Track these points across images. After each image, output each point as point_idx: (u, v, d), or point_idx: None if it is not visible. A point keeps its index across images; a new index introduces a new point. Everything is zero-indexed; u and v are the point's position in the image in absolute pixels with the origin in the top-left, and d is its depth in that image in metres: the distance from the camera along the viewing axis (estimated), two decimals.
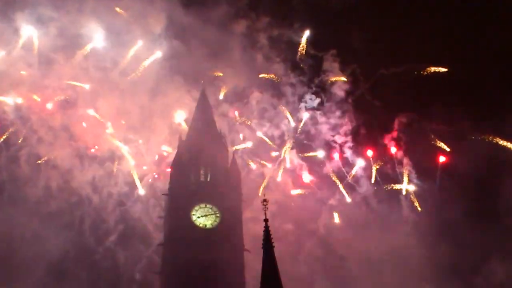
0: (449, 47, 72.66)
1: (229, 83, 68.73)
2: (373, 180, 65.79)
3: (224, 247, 59.19)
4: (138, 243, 64.62)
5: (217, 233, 60.35)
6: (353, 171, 65.94)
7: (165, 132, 66.71)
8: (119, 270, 63.27)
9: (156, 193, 66.19)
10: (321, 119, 67.62)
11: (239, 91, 68.60)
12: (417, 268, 62.09)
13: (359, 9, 73.77)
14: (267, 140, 67.74)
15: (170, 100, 65.71)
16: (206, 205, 61.70)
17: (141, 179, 64.90)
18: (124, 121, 65.08)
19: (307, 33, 67.51)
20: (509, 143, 62.62)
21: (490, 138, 63.13)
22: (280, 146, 67.73)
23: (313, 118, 67.85)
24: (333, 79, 66.91)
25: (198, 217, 60.99)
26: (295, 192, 66.87)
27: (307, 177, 66.76)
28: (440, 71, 65.03)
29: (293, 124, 67.35)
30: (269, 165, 67.13)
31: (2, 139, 61.93)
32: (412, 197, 64.95)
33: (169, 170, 65.99)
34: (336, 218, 65.66)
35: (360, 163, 66.05)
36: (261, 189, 65.26)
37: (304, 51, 67.51)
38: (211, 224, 60.95)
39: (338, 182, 65.63)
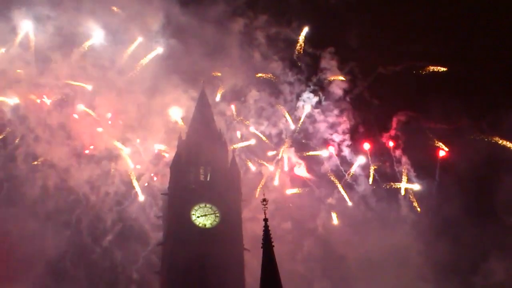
0: (447, 45, 72.81)
1: (227, 82, 68.81)
2: (370, 181, 65.86)
3: (224, 247, 59.20)
4: (135, 243, 64.55)
5: (216, 232, 60.40)
6: (353, 169, 66.05)
7: (162, 131, 66.57)
8: (117, 270, 63.19)
9: (153, 192, 66.05)
10: (319, 117, 67.60)
11: (236, 90, 68.60)
12: (416, 267, 62.26)
13: (356, 7, 73.68)
14: (264, 138, 67.63)
15: (167, 99, 65.59)
16: (205, 205, 61.77)
17: (138, 179, 64.76)
18: (121, 119, 64.95)
19: (305, 30, 67.50)
20: (508, 143, 62.68)
21: (489, 137, 63.16)
22: (278, 145, 67.78)
23: (311, 117, 67.84)
24: (332, 78, 66.84)
25: (198, 217, 61.07)
26: (290, 192, 66.66)
27: (305, 176, 66.57)
28: (440, 70, 64.97)
29: (292, 126, 67.33)
30: (268, 165, 66.94)
31: None
32: (411, 197, 65.03)
33: (167, 169, 65.81)
34: (335, 220, 65.68)
35: (361, 159, 65.96)
36: (258, 189, 65.63)
37: (302, 49, 67.51)
38: (211, 223, 61.04)
39: (338, 184, 65.58)
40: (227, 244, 59.54)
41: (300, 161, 67.20)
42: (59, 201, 62.93)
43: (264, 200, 41.23)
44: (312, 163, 67.43)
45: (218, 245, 59.21)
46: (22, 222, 60.00)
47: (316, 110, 67.98)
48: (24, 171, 62.47)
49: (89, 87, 63.48)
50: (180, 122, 66.64)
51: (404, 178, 65.25)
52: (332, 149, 67.00)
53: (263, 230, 40.26)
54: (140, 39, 64.01)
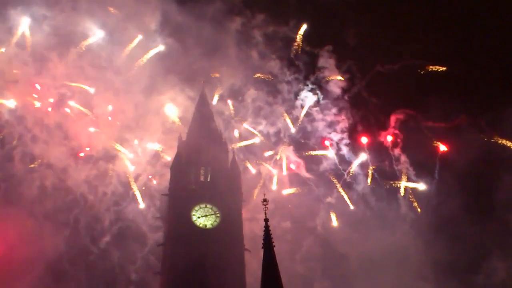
0: (445, 44, 72.96)
1: (225, 81, 68.80)
2: (369, 181, 65.93)
3: (224, 247, 59.69)
4: (133, 244, 64.46)
5: (217, 233, 60.88)
6: (353, 167, 65.98)
7: (160, 131, 66.52)
8: (115, 271, 63.12)
9: (151, 193, 66.05)
10: (318, 116, 67.62)
11: (234, 89, 68.63)
12: (416, 266, 62.42)
13: (354, 6, 73.82)
14: (258, 135, 67.68)
15: (165, 99, 65.51)
16: (206, 205, 62.34)
17: (136, 179, 64.75)
18: (119, 119, 64.83)
19: (304, 27, 67.46)
20: (508, 142, 62.82)
21: (488, 137, 63.35)
22: (276, 144, 67.79)
23: (309, 115, 67.89)
24: (330, 78, 66.87)
25: (198, 217, 61.60)
26: (287, 192, 66.75)
27: (305, 175, 66.69)
28: (439, 70, 65.08)
29: (293, 130, 67.38)
30: (267, 165, 66.97)
31: None
32: (410, 197, 65.12)
33: (165, 170, 65.91)
34: (334, 221, 65.78)
35: (361, 157, 65.92)
36: (257, 189, 65.68)
37: (300, 47, 67.47)
38: (211, 224, 61.53)
39: (337, 185, 65.58)
40: (227, 244, 60.06)
41: (299, 160, 67.13)
42: (57, 201, 62.86)
43: (264, 200, 41.36)
44: (311, 162, 67.50)
45: (218, 245, 59.67)
46: (20, 222, 59.85)
47: (315, 109, 67.96)
48: (21, 172, 62.21)
49: (91, 89, 63.25)
50: (176, 120, 66.54)
51: (404, 178, 65.21)
52: (327, 143, 66.98)
53: (264, 230, 40.66)
54: (140, 37, 63.92)
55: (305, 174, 66.85)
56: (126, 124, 64.99)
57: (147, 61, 64.86)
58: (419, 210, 64.67)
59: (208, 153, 64.91)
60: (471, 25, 73.37)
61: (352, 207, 65.59)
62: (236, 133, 68.80)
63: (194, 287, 57.38)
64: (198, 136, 66.76)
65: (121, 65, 64.22)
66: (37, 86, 62.33)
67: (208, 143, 65.67)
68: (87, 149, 64.26)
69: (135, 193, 63.62)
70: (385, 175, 66.06)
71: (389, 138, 66.19)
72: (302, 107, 68.05)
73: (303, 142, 67.88)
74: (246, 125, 68.07)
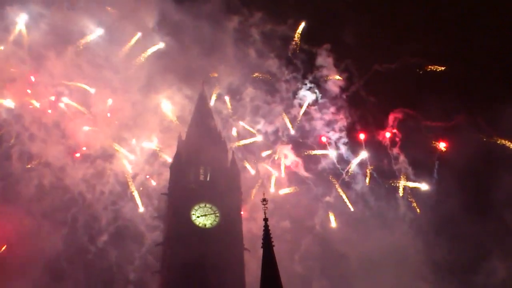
0: (444, 43, 73.17)
1: (223, 80, 68.83)
2: (367, 181, 66.03)
3: (224, 247, 59.75)
4: (131, 243, 64.50)
5: (216, 232, 60.93)
6: (352, 166, 66.03)
7: (157, 130, 66.46)
8: (113, 270, 63.08)
9: (148, 192, 66.03)
10: (316, 115, 67.69)
11: (232, 88, 68.64)
12: (415, 265, 62.56)
13: (352, 4, 73.94)
14: (253, 130, 67.78)
15: (162, 97, 65.49)
16: (205, 205, 62.35)
17: (133, 178, 64.72)
18: (116, 118, 64.70)
19: (302, 25, 67.51)
20: (508, 142, 62.97)
21: (487, 136, 63.51)
22: (274, 143, 67.84)
23: (307, 114, 67.95)
24: (329, 78, 66.92)
25: (198, 217, 61.63)
26: (284, 191, 66.78)
27: (303, 175, 66.77)
28: (438, 69, 65.19)
29: (292, 132, 67.47)
30: (265, 165, 67.11)
31: None
32: (409, 197, 65.25)
33: (162, 169, 65.97)
34: (333, 223, 65.82)
35: (361, 155, 65.97)
36: (255, 189, 66.01)
37: (298, 44, 67.47)
38: (211, 223, 61.59)
39: (336, 185, 65.62)
40: (227, 244, 60.13)
41: (298, 159, 67.17)
42: (54, 200, 62.83)
43: (264, 200, 41.38)
44: (310, 161, 67.58)
45: (218, 244, 59.75)
46: (18, 221, 59.81)
47: (313, 108, 68.03)
48: (19, 170, 62.21)
49: (92, 90, 63.26)
50: (174, 118, 66.47)
51: (403, 177, 65.34)
52: (324, 139, 67.00)
53: (263, 230, 40.60)
54: (139, 34, 63.83)
55: (303, 173, 67.07)
56: (124, 122, 65.10)
57: (145, 60, 64.91)
58: (418, 210, 64.89)
59: (208, 152, 64.77)
60: (470, 25, 73.67)
61: (352, 209, 65.77)
62: (234, 131, 69.00)
63: (193, 287, 57.39)
64: (198, 136, 66.72)
65: (119, 64, 64.24)
66: (35, 84, 62.19)
67: (208, 142, 65.60)
68: (84, 148, 64.22)
69: (133, 193, 63.93)
70: (384, 174, 66.32)
71: (387, 135, 66.29)
72: (300, 106, 68.18)
73: (301, 141, 68.10)
74: (243, 124, 68.31)
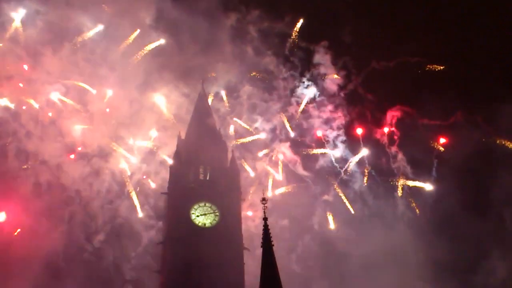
0: (442, 41, 73.19)
1: (220, 78, 68.86)
2: (365, 180, 66.11)
3: (224, 246, 60.06)
4: (128, 242, 64.43)
5: (216, 231, 61.29)
6: (352, 164, 66.07)
7: (154, 128, 66.26)
8: (111, 269, 63.13)
9: (144, 191, 65.96)
10: (314, 113, 67.72)
11: (230, 86, 68.63)
12: (414, 265, 62.67)
13: (350, 2, 73.94)
14: (248, 127, 67.78)
15: (159, 95, 65.33)
16: (205, 204, 62.65)
17: (130, 177, 64.64)
18: (113, 116, 64.59)
19: (300, 22, 67.49)
20: (508, 142, 63.15)
21: (485, 134, 63.72)
22: (272, 141, 67.86)
23: (305, 112, 67.99)
24: (327, 77, 66.95)
25: (198, 216, 61.97)
26: (282, 190, 66.82)
27: (302, 173, 66.84)
28: (437, 69, 65.37)
29: (292, 134, 67.79)
30: (264, 164, 67.14)
31: None
32: (410, 199, 65.41)
33: (159, 168, 66.06)
34: (332, 224, 65.91)
35: (364, 152, 66.13)
36: (253, 188, 66.28)
37: (296, 42, 67.47)
38: (211, 222, 61.92)
39: (336, 188, 65.75)
40: (226, 243, 60.45)
41: (296, 157, 67.23)
42: (51, 199, 62.55)
43: (263, 199, 41.47)
44: (308, 160, 67.69)
45: (217, 244, 59.98)
46: (16, 219, 59.77)
47: (311, 105, 68.04)
48: (16, 169, 61.99)
49: (94, 91, 63.43)
50: (171, 116, 66.29)
51: (402, 176, 65.42)
52: (319, 133, 67.10)
53: (263, 230, 40.76)
54: (138, 31, 63.87)
55: (302, 171, 67.11)
56: (120, 121, 64.95)
57: (142, 58, 64.86)
58: (417, 211, 65.04)
59: (208, 152, 65.23)
60: (468, 23, 73.80)
61: (353, 211, 65.82)
62: (231, 129, 69.05)
63: (193, 286, 57.75)
64: (198, 135, 67.03)
65: (116, 61, 64.14)
66: (31, 82, 62.06)
67: (208, 142, 65.99)
68: (79, 148, 64.05)
69: (131, 194, 63.91)
70: (382, 172, 66.45)
71: (386, 130, 66.33)
72: (297, 104, 68.17)
73: (299, 140, 68.14)
74: (240, 121, 68.29)
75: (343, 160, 67.07)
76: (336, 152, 66.67)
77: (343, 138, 67.22)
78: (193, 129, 68.09)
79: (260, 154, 67.75)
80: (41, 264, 60.08)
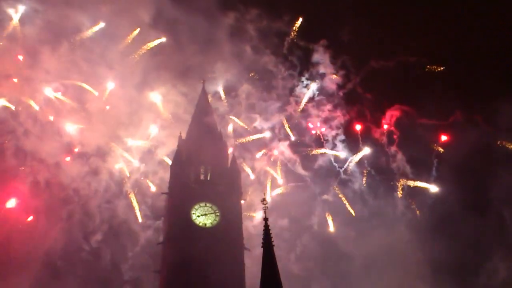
0: (441, 40, 73.45)
1: (218, 77, 68.95)
2: (364, 181, 66.21)
3: (224, 246, 60.23)
4: (126, 242, 64.62)
5: (217, 232, 61.42)
6: (351, 162, 66.12)
7: (153, 127, 66.27)
8: (110, 269, 63.29)
9: (142, 191, 66.08)
10: (313, 112, 67.81)
11: (228, 85, 68.72)
12: (414, 266, 62.83)
13: (350, 1, 74.07)
14: (244, 125, 67.96)
15: (158, 94, 65.42)
16: (206, 204, 62.83)
17: (128, 177, 64.81)
18: (112, 115, 64.60)
19: (300, 20, 67.55)
20: (508, 143, 63.37)
21: (485, 133, 63.88)
22: (271, 140, 67.93)
23: (304, 111, 68.08)
24: (326, 76, 67.04)
25: (198, 216, 62.15)
26: (281, 190, 67.00)
27: (301, 173, 66.95)
28: (437, 69, 65.53)
29: (291, 134, 67.79)
30: (264, 165, 67.25)
31: None
32: (408, 198, 65.50)
33: (157, 167, 66.29)
34: (331, 227, 66.10)
35: (366, 150, 66.16)
36: (251, 187, 66.25)
37: (295, 41, 67.51)
38: (211, 223, 62.11)
39: (336, 188, 65.89)
40: (227, 243, 60.59)
41: (295, 156, 67.37)
42: (49, 198, 62.58)
43: (263, 199, 41.77)
44: (307, 159, 67.76)
45: (218, 244, 60.18)
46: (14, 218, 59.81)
47: (310, 105, 68.14)
48: (13, 168, 61.95)
49: (96, 92, 63.57)
50: (166, 113, 66.28)
51: (401, 177, 65.55)
52: (311, 126, 67.39)
53: (264, 230, 41.02)
54: (138, 30, 63.98)
55: (301, 171, 67.23)
56: (119, 120, 64.93)
57: (140, 57, 64.91)
58: (418, 212, 65.19)
59: (208, 152, 65.51)
60: (468, 23, 73.93)
61: (353, 214, 65.97)
62: (230, 128, 69.22)
63: (193, 286, 57.78)
64: (198, 135, 67.35)
65: (114, 60, 64.20)
66: (30, 80, 62.07)
67: (208, 142, 66.32)
68: (76, 150, 64.04)
69: (130, 196, 64.02)
70: (382, 171, 66.54)
71: (386, 126, 66.45)
72: (296, 103, 68.26)
73: (298, 139, 68.24)
74: (239, 122, 68.39)
75: (342, 160, 67.25)
76: (342, 154, 66.80)
77: (342, 137, 67.41)
78: (194, 129, 68.44)
79: (260, 153, 68.02)
80: (39, 264, 60.44)
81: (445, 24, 75.79)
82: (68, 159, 63.36)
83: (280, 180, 67.05)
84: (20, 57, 61.29)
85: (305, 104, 68.21)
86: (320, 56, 67.78)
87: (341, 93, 68.17)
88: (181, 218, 61.82)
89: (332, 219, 66.01)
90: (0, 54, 60.84)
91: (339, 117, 67.64)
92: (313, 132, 67.68)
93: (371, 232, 64.08)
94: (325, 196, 66.41)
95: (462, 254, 63.12)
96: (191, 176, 65.10)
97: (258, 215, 63.48)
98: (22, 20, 61.09)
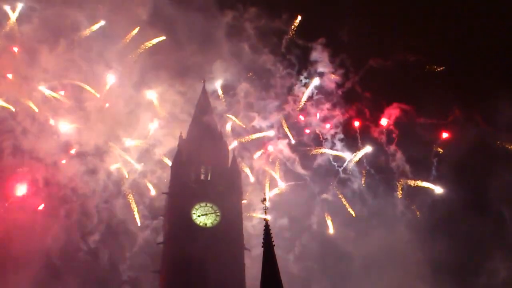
0: (440, 39, 73.55)
1: (217, 76, 68.93)
2: (363, 181, 66.26)
3: (224, 246, 60.53)
4: (125, 242, 64.57)
5: (217, 232, 61.79)
6: (351, 160, 66.14)
7: (150, 126, 66.18)
8: (109, 269, 63.32)
9: (139, 190, 66.02)
10: (311, 110, 67.85)
11: (227, 84, 68.75)
12: (413, 266, 62.90)
13: (348, 0, 74.14)
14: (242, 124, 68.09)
15: (156, 94, 65.35)
16: (206, 204, 63.21)
17: (126, 178, 64.81)
18: (109, 114, 64.58)
19: (299, 19, 67.60)
20: (508, 144, 63.49)
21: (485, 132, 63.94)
22: (270, 139, 67.95)
23: (302, 110, 68.12)
24: (324, 75, 67.05)
25: (198, 216, 62.53)
26: (279, 189, 66.94)
27: (300, 172, 66.97)
28: (437, 69, 65.63)
29: (289, 133, 67.77)
30: (261, 162, 67.36)
31: None
32: (407, 198, 65.57)
33: (155, 167, 66.25)
34: (331, 229, 66.15)
35: (368, 148, 66.24)
36: (251, 187, 66.31)
37: (293, 37, 67.51)
38: (211, 223, 62.48)
39: (335, 189, 65.97)
40: (227, 243, 60.91)
41: (294, 155, 67.38)
42: (47, 198, 62.45)
43: (264, 199, 41.83)
44: (306, 158, 67.78)
45: (218, 244, 60.55)
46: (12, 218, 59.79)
47: (308, 103, 68.17)
48: (11, 168, 61.92)
49: (97, 95, 63.71)
50: (156, 102, 66.18)
51: (401, 177, 65.59)
52: (301, 118, 67.39)
53: (264, 230, 41.13)
54: (138, 28, 64.11)
55: (300, 170, 67.25)
56: (117, 119, 64.88)
57: (138, 56, 64.90)
58: (418, 213, 65.23)
59: (209, 152, 65.94)
60: (468, 22, 74.05)
61: (354, 214, 65.95)
62: (228, 126, 69.25)
63: (194, 286, 58.08)
64: (199, 135, 67.72)
65: (112, 59, 64.18)
66: (28, 80, 61.97)
67: (209, 141, 66.75)
68: (72, 152, 63.92)
69: (128, 197, 63.96)
70: (381, 171, 66.57)
71: (385, 122, 66.53)
72: (295, 102, 68.26)
73: (297, 138, 68.24)
74: (237, 121, 68.38)
75: (342, 159, 67.24)
76: (343, 154, 66.77)
77: (341, 136, 67.43)
78: (195, 129, 68.85)
79: (259, 153, 68.02)
80: (38, 264, 60.35)
81: (445, 23, 76.01)
82: (64, 161, 63.48)
83: (279, 180, 67.15)
84: (18, 56, 61.51)
85: (304, 103, 68.33)
86: (319, 55, 67.83)
87: (340, 92, 68.37)
88: (182, 218, 62.18)
89: (332, 220, 66.18)
90: None
91: (338, 116, 67.80)
92: (308, 131, 67.74)
93: (371, 232, 64.29)
94: (324, 195, 66.54)
95: (462, 254, 63.38)
96: (192, 176, 65.60)
97: (258, 215, 63.86)
98: (19, 19, 61.38)
